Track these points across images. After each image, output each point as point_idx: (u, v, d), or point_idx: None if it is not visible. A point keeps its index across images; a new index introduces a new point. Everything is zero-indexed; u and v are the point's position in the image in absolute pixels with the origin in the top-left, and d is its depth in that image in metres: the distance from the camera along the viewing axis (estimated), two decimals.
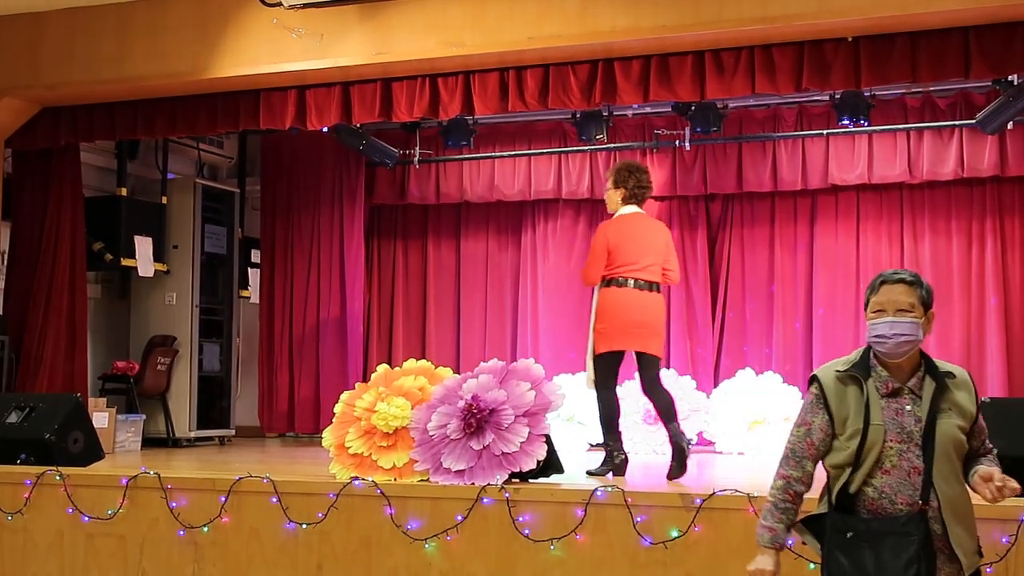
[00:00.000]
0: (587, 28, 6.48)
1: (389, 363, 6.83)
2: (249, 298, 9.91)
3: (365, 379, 7.64)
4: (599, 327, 6.00)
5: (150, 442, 8.68)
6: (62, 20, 7.56)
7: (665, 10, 6.32)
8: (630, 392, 8.41)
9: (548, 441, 5.06)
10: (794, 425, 3.20)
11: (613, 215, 6.17)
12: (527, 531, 4.67)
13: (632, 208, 6.11)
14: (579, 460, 7.46)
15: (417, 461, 5.11)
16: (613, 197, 6.12)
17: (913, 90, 8.54)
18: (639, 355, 6.10)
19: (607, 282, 5.99)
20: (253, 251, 9.98)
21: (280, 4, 6.86)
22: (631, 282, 5.95)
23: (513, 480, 4.91)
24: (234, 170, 10.26)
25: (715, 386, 8.79)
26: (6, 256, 8.38)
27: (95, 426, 6.51)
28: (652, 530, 4.53)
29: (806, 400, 3.21)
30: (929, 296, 3.15)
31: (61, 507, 5.46)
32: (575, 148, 9.39)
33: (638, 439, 8.23)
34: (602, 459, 6.01)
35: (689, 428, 8.25)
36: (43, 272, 8.16)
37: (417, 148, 9.61)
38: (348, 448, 5.30)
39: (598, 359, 6.06)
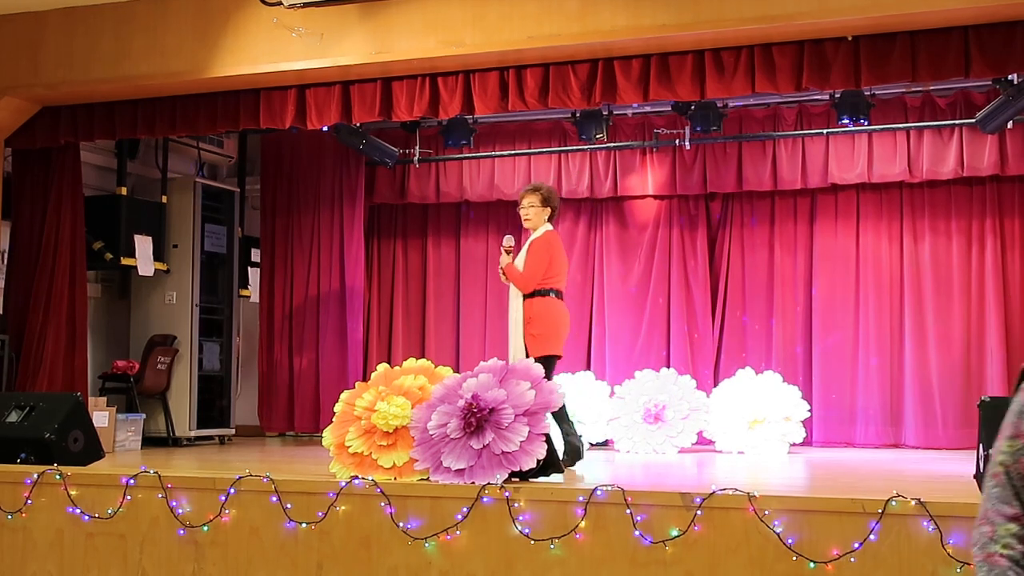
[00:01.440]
0: (587, 27, 6.48)
1: (389, 362, 6.83)
2: (249, 297, 9.92)
3: (365, 378, 7.66)
4: (535, 332, 6.40)
5: (150, 441, 8.69)
6: (62, 19, 7.56)
7: (665, 9, 6.32)
8: (630, 392, 8.43)
9: (548, 440, 5.07)
10: (1000, 438, 2.10)
11: (534, 230, 6.57)
12: (527, 530, 4.67)
13: (551, 226, 6.65)
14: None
15: (417, 460, 5.11)
16: (541, 215, 6.57)
17: (913, 89, 8.54)
18: (553, 357, 6.52)
19: (542, 291, 6.45)
20: (253, 250, 9.98)
21: (280, 3, 6.86)
22: (558, 293, 6.51)
23: (513, 479, 4.91)
24: (234, 169, 10.26)
25: (715, 385, 8.79)
26: (6, 256, 8.37)
27: (95, 425, 6.51)
28: (652, 529, 4.53)
29: (1014, 404, 2.10)
30: None
31: (61, 506, 5.46)
32: (575, 147, 9.39)
33: (638, 439, 8.23)
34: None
35: (689, 427, 8.27)
36: (43, 272, 8.16)
37: (417, 147, 9.62)
38: (348, 447, 5.30)
39: (540, 361, 6.31)
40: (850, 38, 6.34)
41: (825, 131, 8.78)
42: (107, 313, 9.31)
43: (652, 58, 6.67)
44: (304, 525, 5.01)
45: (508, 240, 6.61)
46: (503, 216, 9.88)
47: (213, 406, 9.30)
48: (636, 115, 9.26)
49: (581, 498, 4.64)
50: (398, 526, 4.85)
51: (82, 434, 6.14)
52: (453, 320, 9.95)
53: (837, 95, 8.13)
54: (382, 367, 5.69)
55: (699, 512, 4.46)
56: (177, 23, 7.31)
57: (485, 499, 4.76)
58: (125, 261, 8.75)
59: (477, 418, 5.00)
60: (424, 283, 10.07)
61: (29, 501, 5.50)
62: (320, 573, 5.01)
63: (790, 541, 4.33)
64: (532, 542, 4.66)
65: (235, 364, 9.59)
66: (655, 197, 9.47)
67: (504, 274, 6.54)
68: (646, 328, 9.36)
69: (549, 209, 6.58)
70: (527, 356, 6.34)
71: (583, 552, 4.62)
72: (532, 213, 6.56)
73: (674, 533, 4.48)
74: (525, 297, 6.44)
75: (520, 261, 6.51)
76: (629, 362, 9.19)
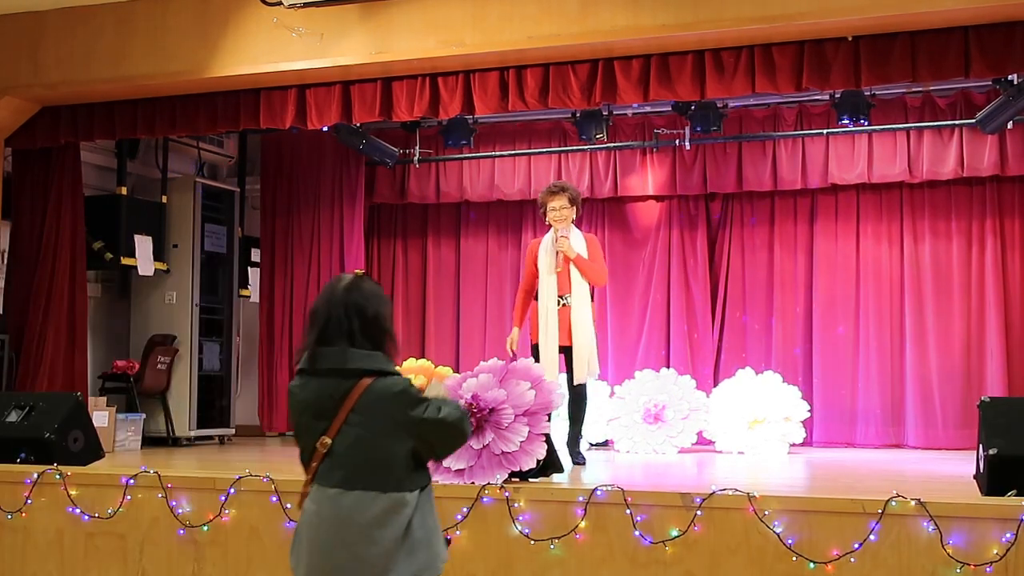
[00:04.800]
0: (587, 27, 6.48)
1: None
2: (249, 297, 9.91)
3: None
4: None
5: (150, 441, 8.68)
6: (62, 19, 7.55)
7: (665, 9, 6.32)
8: (630, 392, 8.42)
9: (548, 440, 5.07)
10: None
11: (559, 229, 6.64)
12: (527, 530, 4.67)
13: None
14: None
15: None
16: (569, 215, 6.69)
17: (913, 89, 8.54)
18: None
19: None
20: (253, 250, 9.97)
21: (280, 3, 6.86)
22: None
23: (513, 479, 4.92)
24: (234, 169, 10.26)
25: (715, 385, 8.79)
26: (6, 256, 8.37)
27: (95, 425, 6.51)
28: (652, 529, 4.53)
29: None
30: None
31: (61, 506, 5.46)
32: (575, 147, 9.39)
33: (638, 439, 8.23)
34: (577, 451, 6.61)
35: (689, 427, 8.27)
36: (43, 271, 8.16)
37: (417, 147, 9.62)
38: None
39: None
40: (850, 38, 6.34)
41: (825, 131, 8.77)
42: (107, 313, 9.31)
43: (652, 58, 6.67)
44: None
45: (564, 230, 6.71)
46: (503, 216, 9.88)
47: (213, 406, 9.29)
48: (636, 115, 9.26)
49: (581, 498, 4.64)
50: None
51: (82, 434, 6.14)
52: (453, 320, 9.95)
53: (837, 95, 8.13)
54: None
55: (699, 512, 4.46)
56: (177, 23, 7.30)
57: (485, 499, 4.76)
58: (125, 261, 8.74)
59: (477, 418, 5.00)
60: (424, 283, 10.07)
61: (29, 501, 5.50)
62: None
63: (790, 541, 4.33)
64: (532, 542, 4.66)
65: (235, 364, 9.58)
66: (655, 197, 9.47)
67: (559, 264, 6.62)
68: (646, 328, 9.36)
69: (575, 208, 6.74)
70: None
71: (583, 552, 4.62)
72: (566, 215, 6.69)
73: (674, 533, 4.49)
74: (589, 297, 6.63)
75: (581, 253, 6.65)
76: (629, 362, 9.18)
